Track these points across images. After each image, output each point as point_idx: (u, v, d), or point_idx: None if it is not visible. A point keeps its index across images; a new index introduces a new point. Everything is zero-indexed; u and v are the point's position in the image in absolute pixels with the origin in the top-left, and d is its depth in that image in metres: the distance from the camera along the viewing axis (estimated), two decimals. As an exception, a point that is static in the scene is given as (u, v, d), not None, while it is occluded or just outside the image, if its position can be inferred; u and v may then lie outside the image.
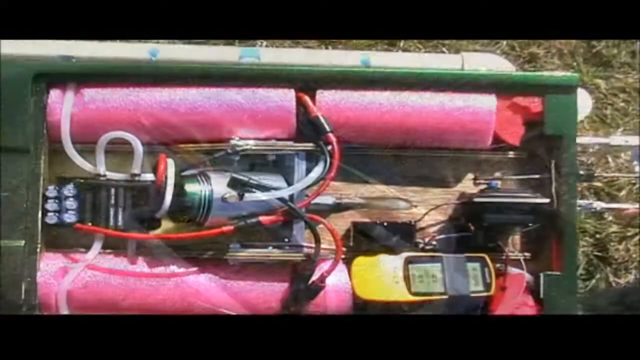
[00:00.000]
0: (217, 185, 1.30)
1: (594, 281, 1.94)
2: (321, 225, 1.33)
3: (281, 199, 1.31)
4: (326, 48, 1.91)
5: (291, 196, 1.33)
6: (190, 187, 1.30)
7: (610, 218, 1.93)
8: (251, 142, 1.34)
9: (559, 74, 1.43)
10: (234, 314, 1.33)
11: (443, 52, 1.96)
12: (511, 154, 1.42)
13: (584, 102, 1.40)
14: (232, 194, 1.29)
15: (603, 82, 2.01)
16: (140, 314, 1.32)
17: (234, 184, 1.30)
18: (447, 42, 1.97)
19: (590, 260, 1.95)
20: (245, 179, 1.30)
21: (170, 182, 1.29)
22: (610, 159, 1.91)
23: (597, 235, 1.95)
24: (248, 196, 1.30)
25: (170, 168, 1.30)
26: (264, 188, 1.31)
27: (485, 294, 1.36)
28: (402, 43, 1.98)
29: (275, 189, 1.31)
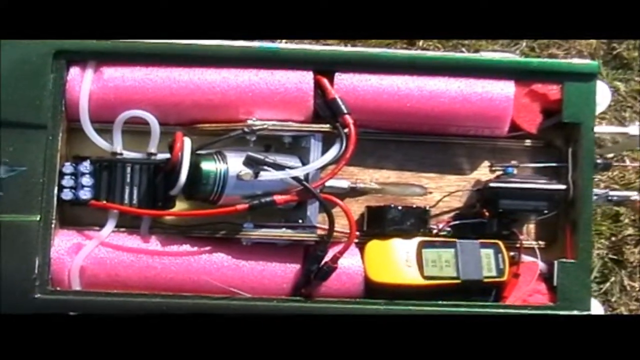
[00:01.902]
0: (233, 164, 1.31)
1: (608, 284, 1.93)
2: (335, 209, 1.33)
3: (296, 179, 1.31)
4: (345, 47, 1.92)
5: (306, 176, 1.33)
6: (206, 165, 1.31)
7: (626, 221, 1.92)
8: (268, 122, 1.34)
9: (579, 61, 1.43)
10: (244, 294, 1.33)
11: (462, 51, 1.96)
12: (528, 142, 1.43)
13: (603, 95, 1.39)
14: (247, 171, 1.30)
15: (622, 85, 2.01)
16: (148, 293, 1.32)
17: (249, 162, 1.30)
18: (466, 42, 1.97)
19: (605, 263, 1.94)
20: (261, 157, 1.30)
21: (186, 159, 1.30)
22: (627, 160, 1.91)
23: (613, 238, 1.94)
24: (263, 174, 1.30)
25: (186, 145, 1.31)
26: (280, 167, 1.31)
27: (498, 279, 1.35)
28: (421, 42, 1.98)
29: (291, 168, 1.31)
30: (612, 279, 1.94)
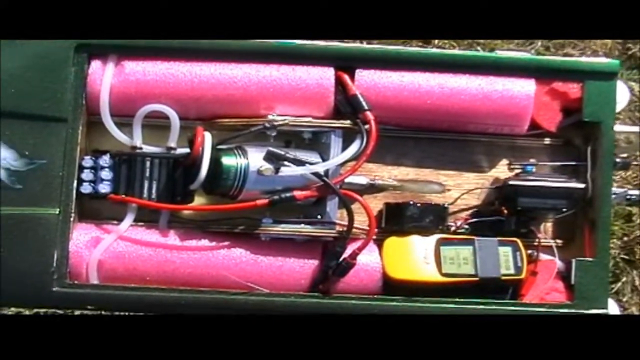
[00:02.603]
0: (254, 159, 1.31)
1: (619, 284, 1.93)
2: (353, 205, 1.33)
3: (316, 174, 1.31)
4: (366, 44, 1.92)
5: (326, 172, 1.33)
6: (226, 160, 1.31)
7: (638, 221, 1.92)
8: (289, 117, 1.35)
9: (600, 60, 1.43)
10: (262, 289, 1.33)
11: (477, 50, 1.96)
12: (547, 141, 1.43)
13: (622, 94, 1.39)
14: (268, 167, 1.30)
15: (637, 85, 2.02)
16: (165, 288, 1.32)
17: (270, 157, 1.30)
18: (481, 41, 1.97)
19: (617, 263, 1.94)
20: (282, 152, 1.31)
21: (207, 153, 1.30)
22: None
23: (625, 238, 1.94)
24: (284, 170, 1.30)
25: (207, 140, 1.31)
26: (300, 162, 1.31)
27: (516, 277, 1.36)
28: (436, 42, 1.99)
29: (311, 164, 1.32)
30: (624, 279, 1.94)
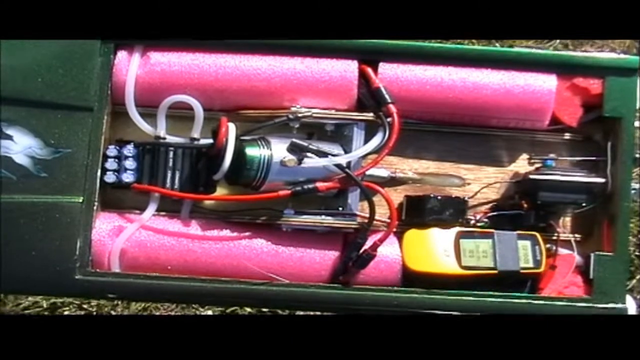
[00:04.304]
0: (277, 150, 1.32)
1: (634, 281, 1.94)
2: (374, 197, 1.34)
3: (339, 166, 1.32)
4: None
5: (348, 164, 1.34)
6: (250, 151, 1.32)
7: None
8: (312, 110, 1.36)
9: (620, 56, 1.43)
10: (283, 279, 1.34)
11: (495, 46, 1.97)
12: (567, 136, 1.44)
13: (640, 90, 1.40)
14: (291, 158, 1.31)
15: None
16: (187, 277, 1.33)
17: (293, 148, 1.31)
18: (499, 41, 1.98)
19: (632, 260, 1.95)
20: (305, 144, 1.32)
21: (231, 144, 1.31)
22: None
23: (640, 235, 1.96)
24: (306, 161, 1.32)
25: (231, 131, 1.32)
26: (323, 154, 1.32)
27: (535, 271, 1.36)
28: (453, 41, 1.99)
29: (334, 155, 1.33)
30: (639, 276, 1.94)
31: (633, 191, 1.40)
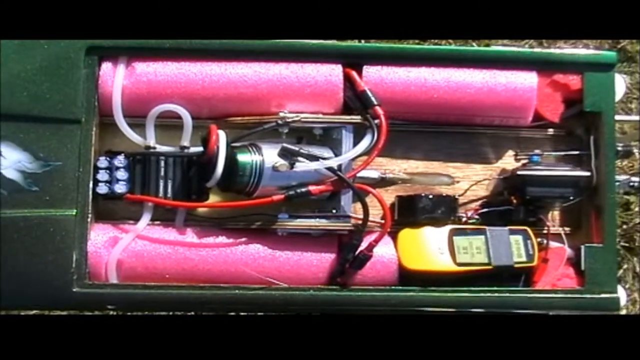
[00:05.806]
0: (268, 155, 1.33)
1: (621, 271, 1.97)
2: (367, 198, 1.35)
3: (331, 169, 1.34)
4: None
5: (339, 167, 1.35)
6: (242, 157, 1.33)
7: (636, 209, 1.95)
8: (301, 114, 1.37)
9: (597, 52, 1.47)
10: (281, 284, 1.35)
11: (472, 45, 1.99)
12: (551, 131, 1.46)
13: (619, 85, 1.43)
14: (283, 162, 1.32)
15: (628, 77, 2.05)
16: (185, 285, 1.34)
17: (285, 153, 1.32)
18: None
19: (618, 250, 1.97)
20: (296, 148, 1.33)
21: (222, 151, 1.31)
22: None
23: (624, 226, 1.98)
24: (299, 165, 1.33)
25: (222, 138, 1.32)
26: (314, 158, 1.33)
27: (528, 265, 1.38)
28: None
29: (325, 159, 1.34)
30: (625, 266, 1.98)
31: (617, 183, 1.43)
